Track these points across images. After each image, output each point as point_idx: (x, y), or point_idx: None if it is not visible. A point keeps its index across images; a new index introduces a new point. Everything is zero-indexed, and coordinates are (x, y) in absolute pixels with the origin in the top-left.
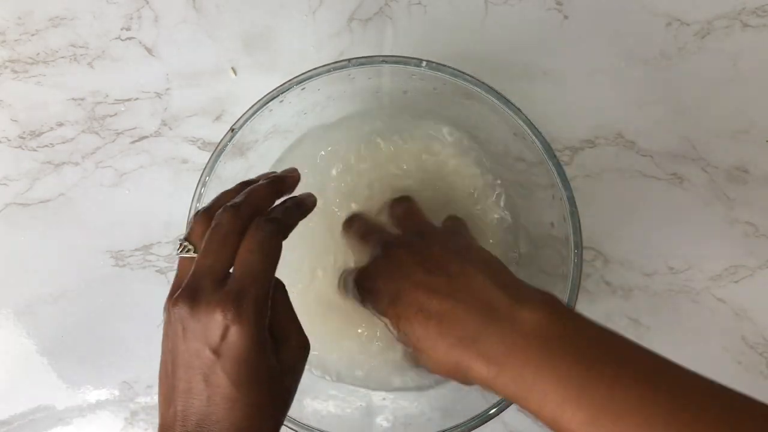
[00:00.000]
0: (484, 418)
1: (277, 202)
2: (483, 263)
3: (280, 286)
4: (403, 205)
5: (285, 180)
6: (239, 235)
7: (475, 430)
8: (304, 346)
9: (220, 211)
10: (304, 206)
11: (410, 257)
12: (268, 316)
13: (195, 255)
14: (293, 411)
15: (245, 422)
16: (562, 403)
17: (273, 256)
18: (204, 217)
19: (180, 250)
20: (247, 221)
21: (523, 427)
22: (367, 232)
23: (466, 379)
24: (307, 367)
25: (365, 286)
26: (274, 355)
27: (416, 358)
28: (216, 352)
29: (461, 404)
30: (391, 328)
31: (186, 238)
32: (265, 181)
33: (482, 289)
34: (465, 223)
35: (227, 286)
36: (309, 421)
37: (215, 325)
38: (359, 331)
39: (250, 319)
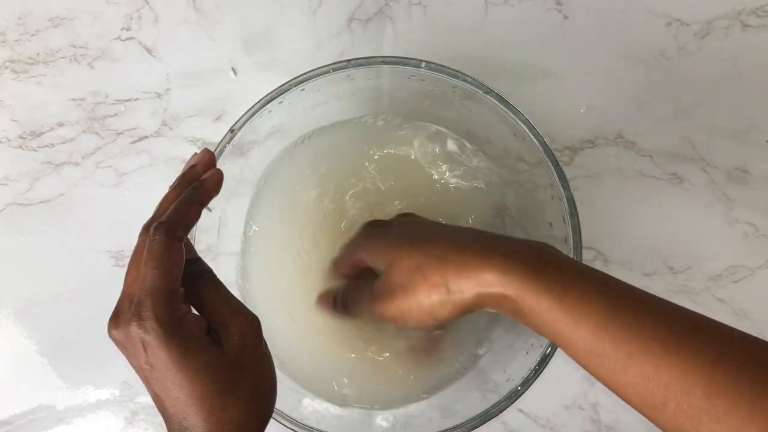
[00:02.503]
0: (484, 418)
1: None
2: (452, 235)
3: (201, 275)
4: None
5: (198, 171)
6: None
7: (475, 430)
8: (247, 325)
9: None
10: (200, 194)
11: (392, 228)
12: (183, 313)
13: None
14: (293, 411)
15: (208, 414)
16: (583, 295)
17: (166, 262)
18: (143, 231)
19: None
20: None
21: (523, 427)
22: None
23: (493, 303)
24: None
25: (371, 253)
26: (215, 343)
27: (434, 306)
28: (148, 364)
29: (461, 404)
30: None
31: None
32: (175, 185)
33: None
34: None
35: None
36: (309, 422)
37: (134, 341)
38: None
39: (154, 327)
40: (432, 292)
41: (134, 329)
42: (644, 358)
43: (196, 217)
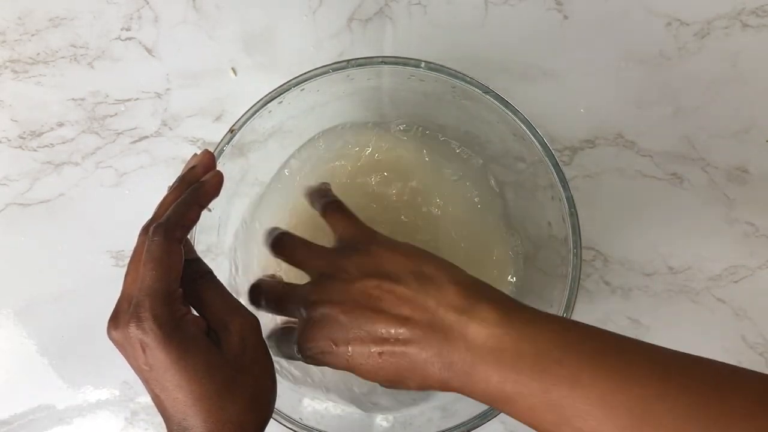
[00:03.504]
0: (484, 418)
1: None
2: (419, 275)
3: (201, 275)
4: (335, 214)
5: (197, 173)
6: None
7: (475, 430)
8: (246, 325)
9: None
10: (200, 195)
11: (341, 311)
12: (182, 314)
13: None
14: (293, 411)
15: (207, 415)
16: (530, 410)
17: (164, 264)
18: (142, 232)
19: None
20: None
21: (523, 428)
22: (283, 296)
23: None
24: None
25: (311, 355)
26: (214, 344)
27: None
28: (147, 365)
29: (461, 404)
30: (360, 376)
31: None
32: (175, 187)
33: (432, 310)
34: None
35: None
36: (309, 422)
37: (133, 342)
38: None
39: (153, 328)
40: (432, 388)
41: (133, 330)
42: None
43: (195, 218)
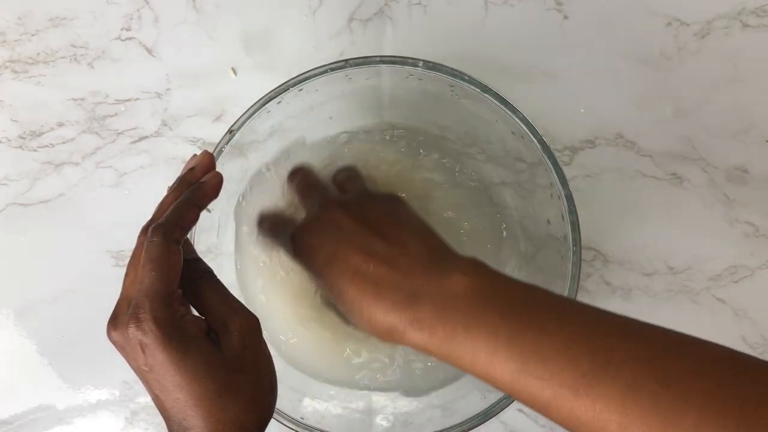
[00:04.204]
0: (484, 417)
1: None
2: (418, 231)
3: (201, 275)
4: (346, 172)
5: (197, 174)
6: None
7: (475, 429)
8: (247, 326)
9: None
10: (199, 196)
11: (348, 219)
12: (181, 315)
13: None
14: (293, 411)
15: (207, 415)
16: (492, 354)
17: (163, 264)
18: (141, 233)
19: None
20: None
21: (522, 427)
22: (308, 188)
23: (401, 342)
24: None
25: (301, 243)
26: (214, 344)
27: (350, 319)
28: (147, 365)
29: (461, 403)
30: (325, 288)
31: None
32: (175, 187)
33: (417, 255)
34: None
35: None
36: (309, 421)
37: (133, 343)
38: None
39: (152, 329)
40: (385, 336)
41: (132, 331)
42: (558, 406)
43: (195, 219)
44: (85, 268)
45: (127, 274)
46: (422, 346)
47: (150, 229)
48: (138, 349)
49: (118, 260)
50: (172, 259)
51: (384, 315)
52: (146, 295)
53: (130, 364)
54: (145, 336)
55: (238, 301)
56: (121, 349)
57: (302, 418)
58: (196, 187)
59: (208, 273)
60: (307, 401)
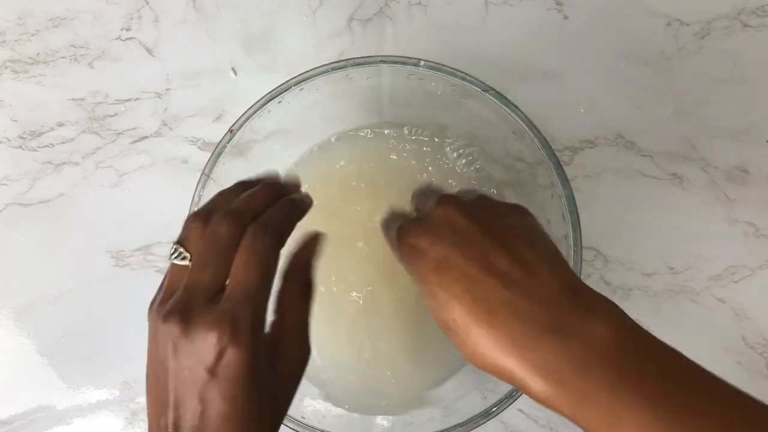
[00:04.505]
0: (484, 417)
1: None
2: (550, 256)
3: (304, 293)
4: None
5: (287, 186)
6: (237, 247)
7: (475, 429)
8: (302, 358)
9: (217, 218)
10: (300, 209)
11: (469, 222)
12: (262, 331)
13: (188, 263)
14: (294, 411)
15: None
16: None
17: (272, 270)
18: (199, 221)
19: (173, 255)
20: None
21: (523, 427)
22: (433, 188)
23: (508, 381)
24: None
25: (408, 242)
26: (272, 368)
27: (450, 339)
28: (210, 372)
29: (461, 403)
30: (428, 298)
31: (180, 242)
32: (266, 186)
33: (549, 287)
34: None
35: (222, 304)
36: (310, 421)
37: (209, 346)
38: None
39: (248, 341)
40: (490, 371)
41: (220, 336)
42: None
43: (291, 231)
44: (85, 268)
45: (203, 262)
46: (543, 400)
47: (259, 227)
48: (212, 350)
49: (118, 260)
50: (274, 267)
51: (498, 352)
52: (251, 303)
53: (178, 363)
54: (235, 347)
55: (309, 327)
56: (180, 343)
57: (303, 418)
58: (299, 198)
59: (306, 290)
60: (307, 401)
